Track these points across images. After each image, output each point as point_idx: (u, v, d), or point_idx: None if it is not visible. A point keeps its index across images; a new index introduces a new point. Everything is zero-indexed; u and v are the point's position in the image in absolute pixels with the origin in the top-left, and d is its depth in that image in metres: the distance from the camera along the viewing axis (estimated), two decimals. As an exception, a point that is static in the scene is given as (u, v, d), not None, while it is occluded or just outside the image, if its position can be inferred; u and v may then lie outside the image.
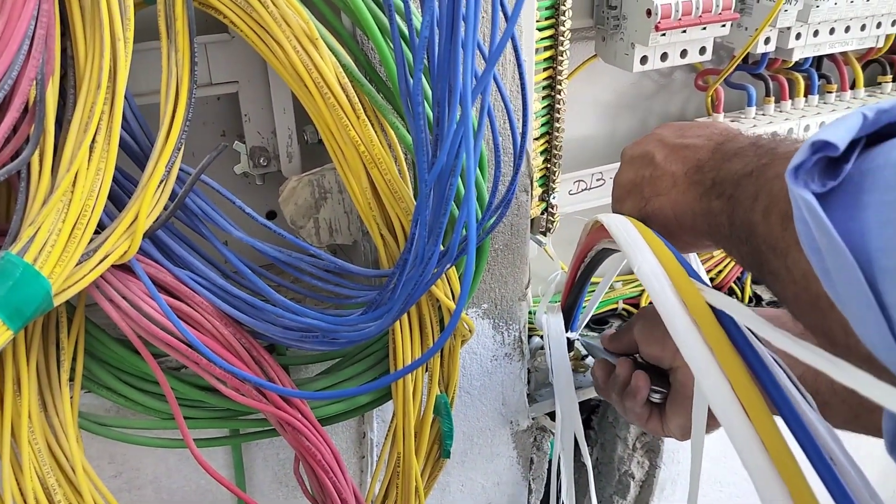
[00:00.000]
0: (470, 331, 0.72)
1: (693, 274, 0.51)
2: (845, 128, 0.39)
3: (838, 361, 0.37)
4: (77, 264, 0.53)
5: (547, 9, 0.78)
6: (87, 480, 0.62)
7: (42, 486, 0.60)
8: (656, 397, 0.69)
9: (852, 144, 0.39)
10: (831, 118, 1.01)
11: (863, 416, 0.63)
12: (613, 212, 0.67)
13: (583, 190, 0.99)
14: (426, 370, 0.73)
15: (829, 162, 0.39)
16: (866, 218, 0.36)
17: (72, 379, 0.63)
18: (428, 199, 0.53)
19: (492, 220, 0.63)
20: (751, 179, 0.48)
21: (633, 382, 0.70)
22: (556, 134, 0.87)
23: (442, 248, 0.59)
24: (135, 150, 0.60)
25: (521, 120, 0.61)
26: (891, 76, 1.09)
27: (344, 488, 0.68)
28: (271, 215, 0.84)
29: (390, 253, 0.66)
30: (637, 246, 0.54)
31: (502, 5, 0.55)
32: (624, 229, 0.57)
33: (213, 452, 0.76)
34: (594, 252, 0.78)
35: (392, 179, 0.61)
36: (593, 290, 1.09)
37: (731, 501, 1.21)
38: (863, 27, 0.97)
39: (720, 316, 0.46)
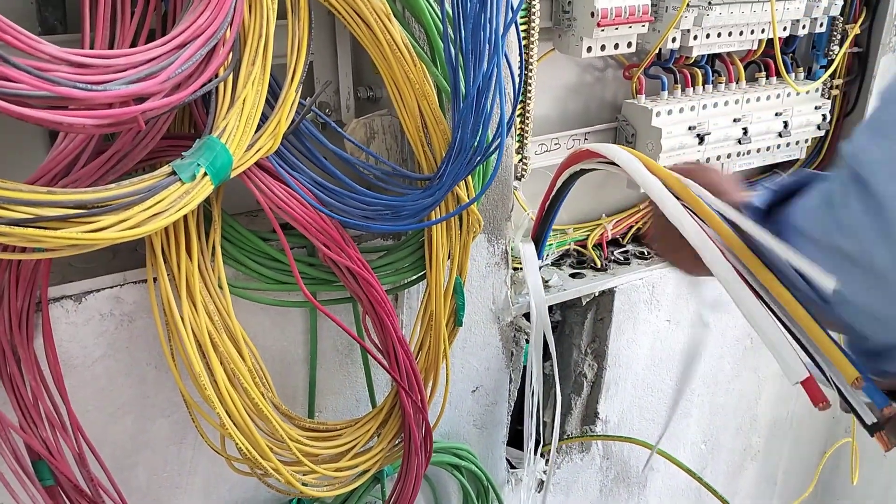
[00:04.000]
0: (479, 225, 1.03)
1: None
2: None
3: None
4: (245, 151, 0.83)
5: (523, 10, 1.12)
6: (235, 321, 0.90)
7: (208, 316, 0.87)
8: None
9: None
10: (722, 101, 1.38)
11: None
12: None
13: (544, 151, 1.32)
14: (448, 257, 1.04)
15: None
16: None
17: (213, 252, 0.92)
18: (471, 107, 0.85)
19: (498, 142, 0.95)
20: None
21: None
22: (528, 103, 1.20)
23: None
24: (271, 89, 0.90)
25: (519, 73, 0.94)
26: (764, 74, 1.48)
27: (399, 329, 0.98)
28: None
29: (430, 164, 0.97)
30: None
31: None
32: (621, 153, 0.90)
33: (296, 318, 1.04)
34: (566, 176, 1.11)
35: (435, 108, 0.93)
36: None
37: (661, 404, 1.54)
38: (741, 33, 1.35)
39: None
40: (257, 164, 0.88)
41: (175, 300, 0.86)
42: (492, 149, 0.88)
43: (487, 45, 0.83)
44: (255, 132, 0.85)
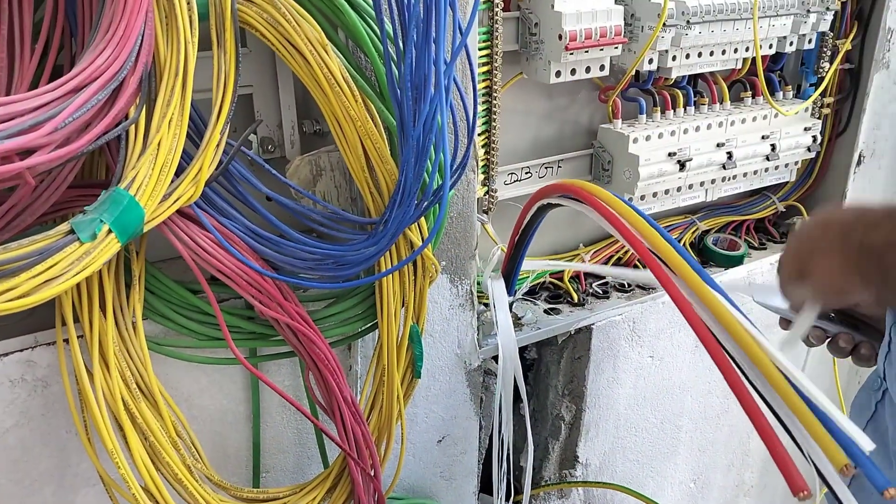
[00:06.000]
0: (436, 270, 0.95)
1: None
2: None
3: None
4: (160, 202, 0.74)
5: (485, 33, 1.03)
6: (155, 382, 0.81)
7: (124, 382, 0.79)
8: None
9: None
10: (705, 124, 1.30)
11: None
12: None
13: (515, 181, 1.24)
14: (403, 304, 0.95)
15: None
16: None
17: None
18: (412, 151, 0.76)
19: (454, 178, 0.87)
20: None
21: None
22: (494, 132, 1.12)
23: (416, 201, 0.82)
24: (191, 130, 0.81)
25: (472, 104, 0.85)
26: (750, 93, 1.39)
27: (345, 389, 0.89)
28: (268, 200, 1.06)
29: (377, 207, 0.89)
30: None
31: (458, 25, 0.80)
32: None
33: (236, 374, 0.95)
34: (534, 210, 1.02)
35: (380, 147, 0.84)
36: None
37: (646, 444, 1.45)
38: (723, 52, 1.27)
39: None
40: (179, 211, 0.79)
41: (87, 364, 0.78)
42: (439, 192, 0.79)
43: (432, 77, 0.74)
44: (175, 178, 0.77)
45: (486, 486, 1.34)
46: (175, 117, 0.75)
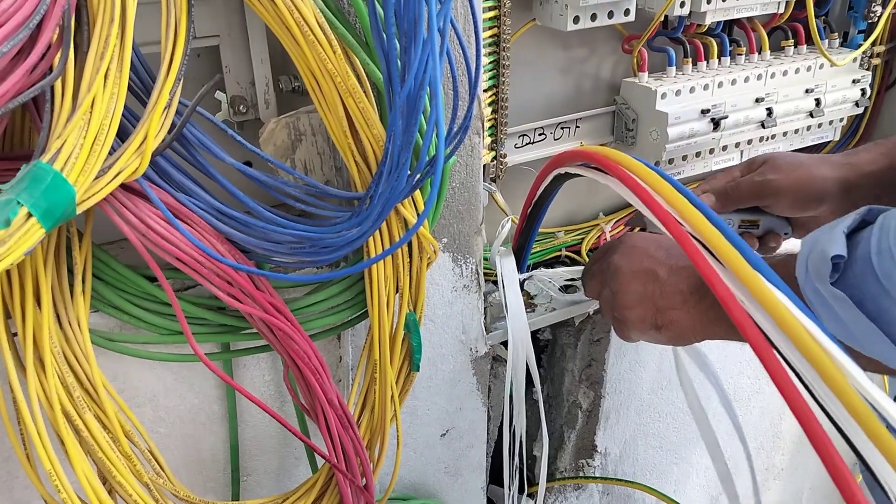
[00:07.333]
0: (434, 251, 0.82)
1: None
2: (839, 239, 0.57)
3: None
4: (95, 178, 0.61)
5: (490, -29, 0.89)
6: (102, 386, 0.69)
7: (64, 388, 0.67)
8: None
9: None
10: (742, 77, 1.15)
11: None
12: (621, 316, 0.87)
13: (527, 144, 1.10)
14: (397, 290, 0.82)
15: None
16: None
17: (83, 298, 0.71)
18: (400, 115, 0.62)
19: (452, 145, 0.73)
20: None
21: None
22: (503, 88, 0.98)
23: (409, 172, 0.69)
24: (139, 88, 0.68)
25: (474, 57, 0.71)
26: (792, 41, 1.23)
27: (329, 390, 0.77)
28: (247, 165, 0.93)
29: (363, 179, 0.75)
30: None
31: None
32: None
33: (205, 370, 0.83)
34: (548, 181, 0.89)
35: (364, 108, 0.70)
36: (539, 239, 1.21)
37: (670, 429, 1.33)
38: (764, -6, 1.11)
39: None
40: (125, 185, 0.66)
41: (19, 368, 0.66)
42: (434, 161, 0.66)
43: (423, 19, 0.60)
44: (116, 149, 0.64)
45: (495, 477, 1.23)
46: (113, 71, 0.61)
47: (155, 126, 0.64)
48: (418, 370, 0.86)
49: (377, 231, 0.76)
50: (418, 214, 0.77)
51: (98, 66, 0.60)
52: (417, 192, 0.77)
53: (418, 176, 0.68)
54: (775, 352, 0.55)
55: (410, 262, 0.81)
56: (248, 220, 0.71)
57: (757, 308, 0.56)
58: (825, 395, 0.51)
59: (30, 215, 0.56)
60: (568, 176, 0.88)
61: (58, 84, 0.59)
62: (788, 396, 0.52)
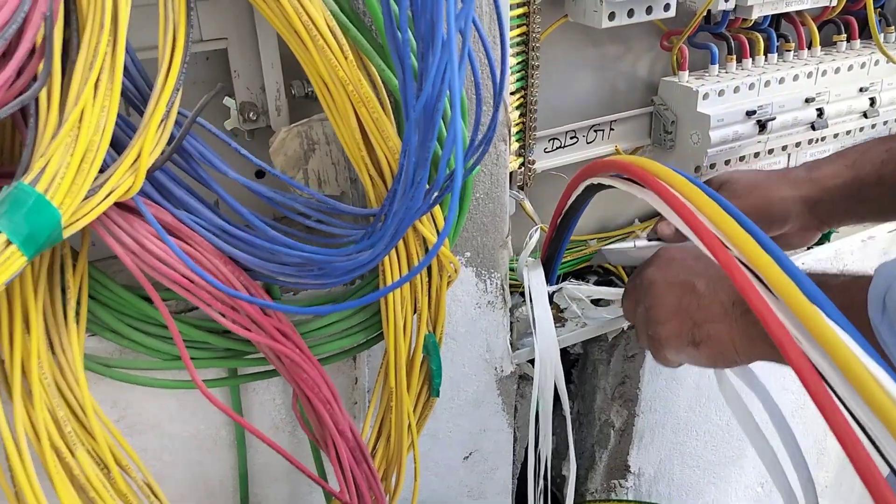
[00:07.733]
0: (455, 270, 0.76)
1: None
2: None
3: None
4: (84, 199, 0.56)
5: (519, -34, 0.82)
6: (95, 416, 0.65)
7: (53, 421, 0.62)
8: None
9: None
10: (790, 75, 1.07)
11: None
12: (654, 333, 0.79)
13: (557, 148, 1.03)
14: (415, 311, 0.76)
15: None
16: None
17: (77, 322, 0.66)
18: (415, 128, 0.56)
19: (475, 158, 0.67)
20: None
21: None
22: (532, 90, 0.91)
23: (427, 186, 0.63)
24: (135, 97, 0.63)
25: (499, 60, 0.65)
26: (845, 36, 1.15)
27: (341, 420, 0.71)
28: (259, 174, 0.87)
29: (378, 194, 0.70)
30: None
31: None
32: None
33: (213, 393, 0.78)
34: (579, 191, 0.82)
35: (379, 118, 0.65)
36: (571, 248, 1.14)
37: (708, 448, 1.26)
38: (817, -14, 1.03)
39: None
40: (117, 203, 0.61)
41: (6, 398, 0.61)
42: (441, 183, 0.60)
43: (442, 21, 0.54)
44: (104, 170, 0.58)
45: (522, 499, 1.17)
46: (104, 82, 0.56)
47: (151, 141, 0.59)
48: (438, 395, 0.80)
49: (394, 249, 0.70)
50: (438, 232, 0.72)
51: (87, 77, 0.55)
52: (437, 207, 0.71)
53: (436, 194, 0.62)
54: (836, 399, 0.48)
55: (430, 281, 0.75)
56: (253, 239, 0.66)
57: (816, 349, 0.50)
58: (892, 449, 0.45)
59: (9, 242, 0.51)
60: (600, 187, 0.81)
61: (43, 97, 0.54)
62: (848, 448, 0.45)
